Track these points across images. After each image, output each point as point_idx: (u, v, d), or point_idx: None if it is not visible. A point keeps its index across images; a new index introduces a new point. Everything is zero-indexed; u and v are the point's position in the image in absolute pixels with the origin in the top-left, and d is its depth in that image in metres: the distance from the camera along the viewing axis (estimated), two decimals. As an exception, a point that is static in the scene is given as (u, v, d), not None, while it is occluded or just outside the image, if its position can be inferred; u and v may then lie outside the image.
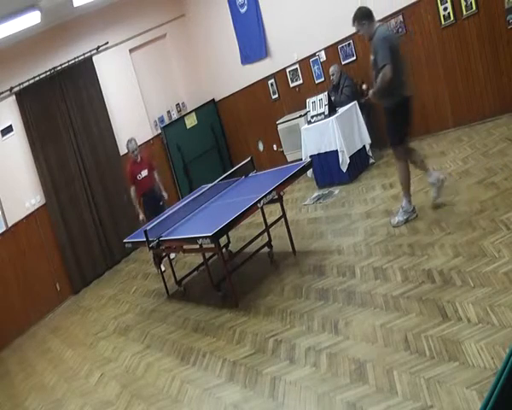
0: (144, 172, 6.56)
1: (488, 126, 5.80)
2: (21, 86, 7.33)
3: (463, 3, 5.72)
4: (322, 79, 7.50)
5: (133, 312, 5.73)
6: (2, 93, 7.19)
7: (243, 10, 8.19)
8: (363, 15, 4.35)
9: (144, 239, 4.96)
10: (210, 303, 4.86)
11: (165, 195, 6.72)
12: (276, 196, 4.73)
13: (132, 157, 6.60)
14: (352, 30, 6.71)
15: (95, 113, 8.07)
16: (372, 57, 4.38)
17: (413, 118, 4.50)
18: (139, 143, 8.35)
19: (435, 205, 4.51)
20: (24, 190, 7.34)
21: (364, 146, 6.59)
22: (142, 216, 6.45)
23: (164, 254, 5.70)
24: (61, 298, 7.45)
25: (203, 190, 5.91)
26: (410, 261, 3.83)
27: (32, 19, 6.32)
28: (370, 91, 4.50)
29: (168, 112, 9.14)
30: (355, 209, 5.42)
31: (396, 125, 4.38)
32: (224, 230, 4.28)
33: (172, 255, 6.49)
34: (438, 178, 4.43)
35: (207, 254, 5.17)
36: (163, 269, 6.34)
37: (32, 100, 7.42)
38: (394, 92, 4.24)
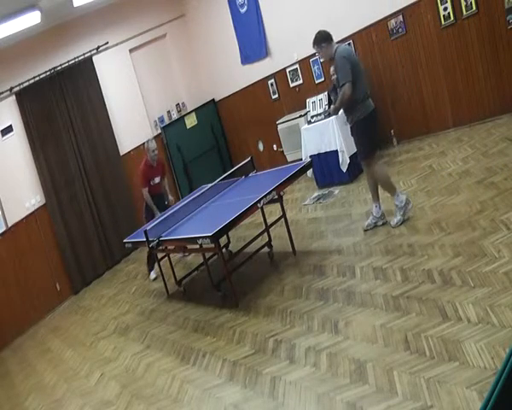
0: (157, 179, 6.33)
1: (488, 126, 5.80)
2: (21, 86, 7.32)
3: (463, 3, 5.73)
4: (322, 79, 7.50)
5: (133, 312, 5.73)
6: (2, 93, 7.19)
7: (243, 10, 8.19)
8: (322, 38, 4.45)
9: (144, 239, 4.96)
10: (210, 303, 4.86)
11: (171, 198, 6.57)
12: (276, 196, 4.73)
13: (149, 160, 6.22)
14: (352, 30, 6.84)
15: (95, 113, 8.07)
16: (334, 76, 4.58)
17: (378, 131, 4.74)
18: (139, 144, 8.43)
19: (365, 229, 4.73)
20: (24, 190, 7.33)
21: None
22: (159, 214, 6.13)
23: (159, 256, 5.70)
24: (61, 298, 7.45)
25: (203, 190, 5.91)
26: (410, 261, 3.83)
27: (32, 19, 6.31)
28: (332, 107, 4.75)
29: (168, 112, 9.14)
30: (355, 209, 5.42)
31: (366, 137, 4.51)
32: (224, 230, 4.28)
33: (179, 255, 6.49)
34: (381, 212, 4.66)
35: (207, 254, 5.17)
36: (154, 277, 6.41)
37: (32, 100, 7.42)
38: (359, 107, 4.43)
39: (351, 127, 4.66)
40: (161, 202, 6.42)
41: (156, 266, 6.11)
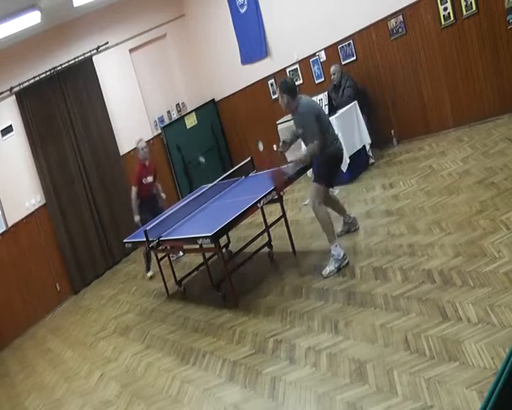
0: (150, 178, 6.48)
1: (488, 126, 5.80)
2: (21, 86, 7.32)
3: (463, 3, 5.73)
4: (322, 79, 7.50)
5: (133, 312, 5.73)
6: (2, 93, 7.19)
7: (243, 10, 8.19)
8: (285, 88, 4.29)
9: (144, 239, 4.96)
10: (210, 303, 4.86)
11: (163, 195, 6.69)
12: (276, 196, 4.73)
13: (141, 159, 6.43)
14: (352, 30, 6.84)
15: (95, 113, 8.07)
16: (299, 130, 4.46)
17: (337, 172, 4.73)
18: (139, 144, 8.42)
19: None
20: (24, 190, 7.33)
21: (364, 146, 6.58)
22: (137, 218, 6.29)
23: (159, 256, 5.71)
24: (61, 298, 7.45)
25: (203, 190, 5.91)
26: (410, 261, 3.83)
27: (32, 19, 6.31)
28: (301, 156, 4.49)
29: (168, 112, 9.14)
30: (355, 209, 5.41)
31: (325, 171, 4.45)
32: (224, 230, 4.29)
33: (174, 256, 6.55)
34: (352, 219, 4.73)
35: (207, 254, 5.17)
36: (151, 274, 6.53)
37: (32, 100, 7.41)
38: (324, 152, 4.31)
39: (318, 162, 4.53)
40: (155, 205, 6.48)
41: (152, 265, 6.39)
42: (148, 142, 8.64)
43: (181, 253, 6.48)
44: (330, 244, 4.31)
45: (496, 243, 3.48)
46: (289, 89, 4.29)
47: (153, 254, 5.96)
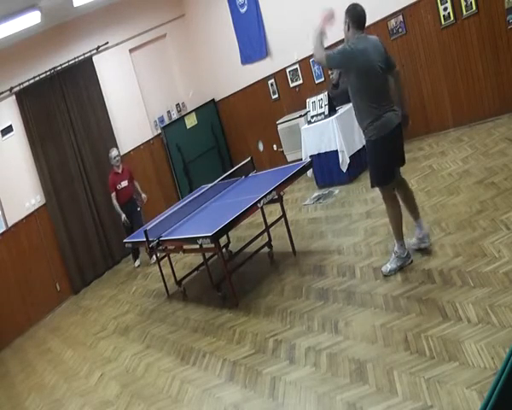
0: (124, 183, 7.08)
1: (488, 126, 5.80)
2: (21, 86, 7.33)
3: (463, 3, 5.72)
4: (322, 79, 7.50)
5: (133, 312, 5.73)
6: (2, 93, 7.19)
7: (243, 10, 8.19)
8: (351, 13, 3.67)
9: (144, 239, 4.96)
10: (210, 303, 4.86)
11: (144, 196, 7.23)
12: (276, 196, 4.73)
13: (114, 167, 7.09)
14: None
15: (95, 113, 8.07)
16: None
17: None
18: (139, 144, 8.48)
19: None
20: (24, 190, 7.34)
21: (364, 146, 6.57)
22: (124, 217, 6.94)
23: (159, 256, 5.75)
24: (61, 298, 7.45)
25: (203, 190, 5.91)
26: (409, 261, 3.83)
27: (31, 19, 6.32)
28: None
29: (168, 112, 9.14)
30: (355, 209, 5.41)
31: (375, 162, 3.80)
32: (224, 230, 4.28)
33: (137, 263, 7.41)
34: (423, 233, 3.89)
35: (207, 254, 5.17)
36: (137, 264, 7.29)
37: (32, 100, 7.42)
38: (372, 124, 3.64)
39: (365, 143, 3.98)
40: (133, 209, 7.12)
41: (141, 255, 7.38)
42: (148, 142, 8.73)
43: (137, 262, 7.38)
44: (396, 241, 3.82)
45: (496, 243, 3.48)
46: (354, 15, 3.63)
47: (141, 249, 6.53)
